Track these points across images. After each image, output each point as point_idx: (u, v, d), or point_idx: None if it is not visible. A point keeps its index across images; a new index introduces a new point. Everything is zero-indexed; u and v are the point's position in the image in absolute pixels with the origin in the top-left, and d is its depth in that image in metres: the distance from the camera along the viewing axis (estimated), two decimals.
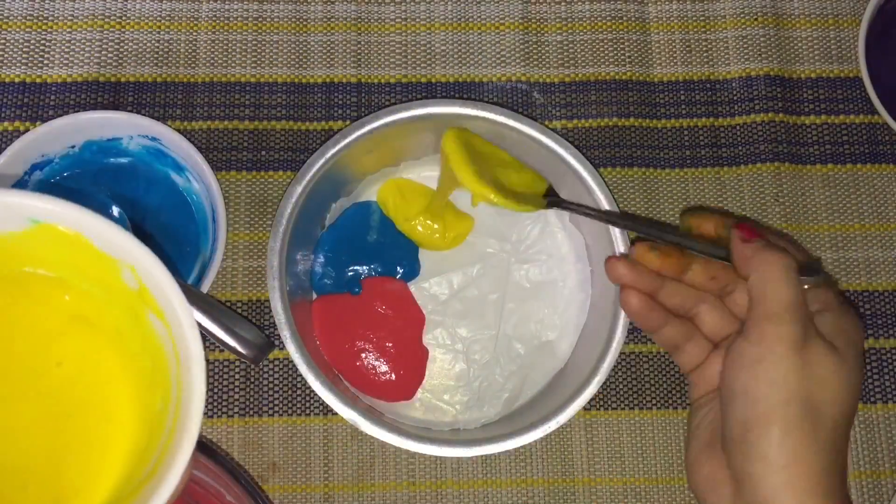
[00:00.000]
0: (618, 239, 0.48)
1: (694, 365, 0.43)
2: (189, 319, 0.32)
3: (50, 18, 0.55)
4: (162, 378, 0.33)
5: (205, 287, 0.48)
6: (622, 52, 0.56)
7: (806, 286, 0.40)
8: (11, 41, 0.55)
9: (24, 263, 0.35)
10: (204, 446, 0.41)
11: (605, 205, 0.48)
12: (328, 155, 0.48)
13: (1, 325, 0.35)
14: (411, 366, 0.50)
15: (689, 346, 0.43)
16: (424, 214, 0.51)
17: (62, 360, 0.35)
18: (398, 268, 0.51)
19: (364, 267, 0.51)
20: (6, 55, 0.55)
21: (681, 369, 0.45)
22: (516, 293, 0.51)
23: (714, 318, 0.43)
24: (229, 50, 0.55)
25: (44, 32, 0.55)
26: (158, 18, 0.56)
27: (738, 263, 0.40)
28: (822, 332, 0.39)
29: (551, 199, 0.48)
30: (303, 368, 0.46)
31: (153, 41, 0.55)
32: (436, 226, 0.51)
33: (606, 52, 0.56)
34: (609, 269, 0.42)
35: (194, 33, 0.55)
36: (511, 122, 0.49)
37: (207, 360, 0.51)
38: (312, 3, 0.56)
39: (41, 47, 0.55)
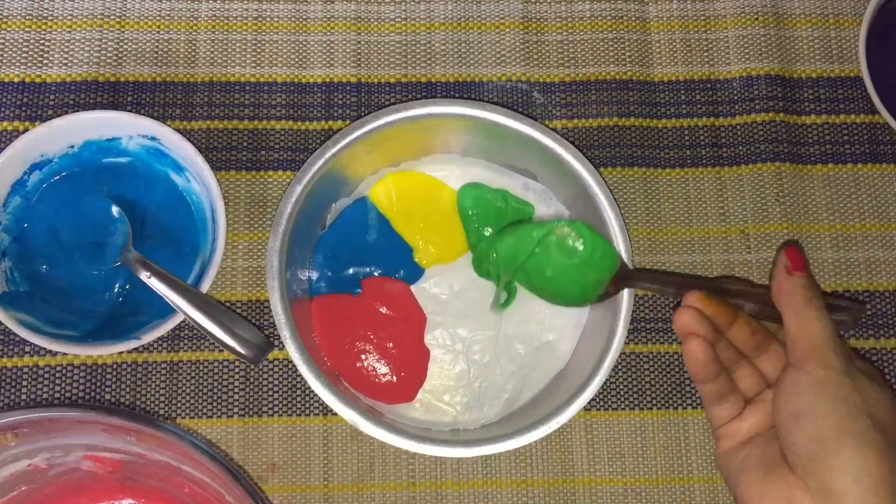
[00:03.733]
0: (618, 239, 0.48)
1: (725, 419, 0.44)
2: None
3: (49, 18, 0.55)
4: None
5: (204, 287, 0.48)
6: (622, 51, 0.56)
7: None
8: (11, 41, 0.55)
9: None
10: (204, 446, 0.41)
11: (606, 205, 0.48)
12: (328, 155, 0.48)
13: None
14: (412, 367, 0.50)
15: (729, 398, 0.44)
16: (426, 238, 0.51)
17: None
18: (400, 270, 0.51)
19: (365, 268, 0.51)
20: (5, 55, 0.55)
21: (712, 423, 0.45)
22: (516, 293, 0.51)
23: (750, 376, 0.45)
24: (229, 50, 0.55)
25: (43, 32, 0.55)
26: (158, 18, 0.55)
27: (776, 292, 0.43)
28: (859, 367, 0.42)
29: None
30: (303, 368, 0.46)
31: (152, 41, 0.55)
32: (432, 249, 0.52)
33: (606, 51, 0.56)
34: (675, 320, 0.43)
35: (194, 33, 0.55)
36: (511, 123, 0.49)
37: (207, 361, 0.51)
38: (312, 3, 0.56)
39: (40, 47, 0.55)
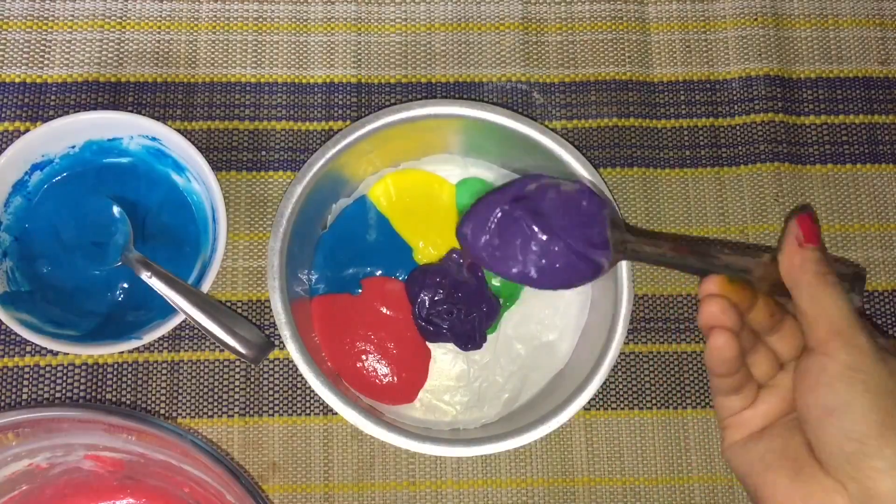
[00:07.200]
0: None
1: (736, 410, 0.41)
2: None
3: (50, 18, 0.55)
4: None
5: (205, 287, 0.48)
6: (622, 52, 0.56)
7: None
8: (12, 41, 0.55)
9: None
10: (204, 446, 0.41)
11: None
12: (328, 155, 0.48)
13: None
14: (413, 368, 0.50)
15: (744, 388, 0.40)
16: (425, 238, 0.51)
17: None
18: (400, 270, 0.51)
19: (365, 267, 0.51)
20: (6, 55, 0.55)
21: (720, 414, 0.41)
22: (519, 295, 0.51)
23: (765, 360, 0.41)
24: (229, 50, 0.55)
25: (44, 32, 0.55)
26: (158, 19, 0.56)
27: (787, 266, 0.38)
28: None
29: None
30: (303, 368, 0.46)
31: (153, 41, 0.55)
32: (432, 250, 0.51)
33: (606, 52, 0.56)
34: (703, 312, 0.38)
35: (194, 33, 0.55)
36: (511, 123, 0.49)
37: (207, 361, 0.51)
38: (312, 3, 0.56)
39: (41, 47, 0.55)
